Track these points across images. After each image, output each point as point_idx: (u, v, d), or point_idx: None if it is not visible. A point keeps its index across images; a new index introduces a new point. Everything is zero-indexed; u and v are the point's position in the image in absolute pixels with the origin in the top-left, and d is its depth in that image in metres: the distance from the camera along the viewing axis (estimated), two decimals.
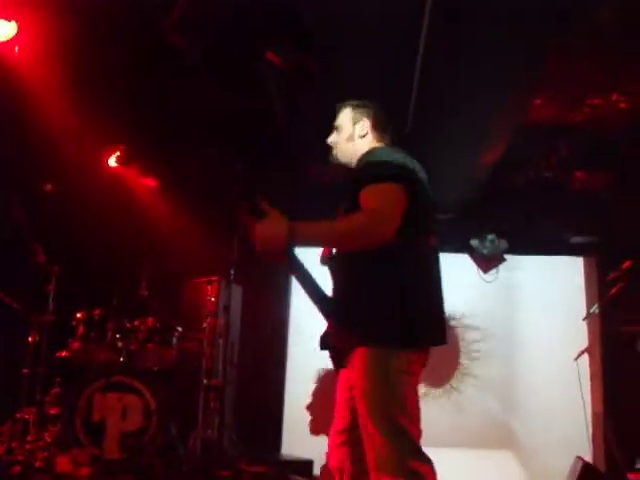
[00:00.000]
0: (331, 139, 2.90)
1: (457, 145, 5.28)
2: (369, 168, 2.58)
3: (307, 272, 2.55)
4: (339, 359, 2.59)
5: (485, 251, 6.50)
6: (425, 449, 2.39)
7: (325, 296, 2.57)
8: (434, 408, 6.46)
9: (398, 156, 2.61)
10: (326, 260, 2.76)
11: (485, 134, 5.24)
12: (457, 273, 6.75)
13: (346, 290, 2.58)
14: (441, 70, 4.63)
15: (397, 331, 2.42)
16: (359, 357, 2.44)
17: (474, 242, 6.55)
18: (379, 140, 2.84)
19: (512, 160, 5.80)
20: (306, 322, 6.81)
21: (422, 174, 2.65)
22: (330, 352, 2.63)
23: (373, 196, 2.44)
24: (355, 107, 2.88)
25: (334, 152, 2.90)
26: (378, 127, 2.85)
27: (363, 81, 5.19)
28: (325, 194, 6.50)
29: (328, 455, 2.70)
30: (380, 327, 2.43)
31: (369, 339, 2.43)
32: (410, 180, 2.52)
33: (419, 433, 2.43)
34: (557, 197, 6.23)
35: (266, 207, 2.42)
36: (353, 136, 2.84)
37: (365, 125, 2.84)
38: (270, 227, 2.38)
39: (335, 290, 2.63)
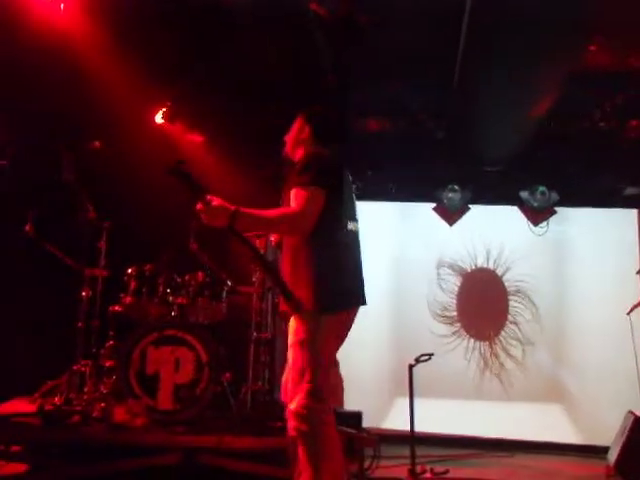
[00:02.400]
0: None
1: (506, 95, 5.15)
2: (303, 170, 3.20)
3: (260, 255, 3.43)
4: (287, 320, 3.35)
5: (535, 203, 6.38)
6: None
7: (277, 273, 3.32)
8: (481, 362, 6.45)
9: (326, 161, 3.29)
10: (276, 244, 3.56)
11: (535, 83, 5.09)
12: (506, 225, 6.69)
13: (286, 267, 3.30)
14: (488, 17, 4.51)
15: (320, 298, 3.15)
16: (296, 318, 3.20)
17: (524, 194, 6.42)
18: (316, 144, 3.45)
19: (565, 110, 5.65)
20: None
21: (344, 170, 3.36)
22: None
23: (300, 197, 3.13)
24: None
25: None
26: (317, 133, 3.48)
27: (409, 35, 5.10)
28: (375, 146, 6.51)
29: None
30: (307, 296, 3.14)
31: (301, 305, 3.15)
32: (331, 185, 3.20)
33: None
34: (611, 147, 6.05)
35: (186, 169, 3.03)
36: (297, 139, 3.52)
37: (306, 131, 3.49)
38: (217, 208, 3.06)
39: (281, 267, 3.36)
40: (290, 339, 3.24)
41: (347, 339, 3.34)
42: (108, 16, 4.81)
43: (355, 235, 3.40)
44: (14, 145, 5.21)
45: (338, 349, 3.35)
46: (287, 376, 3.30)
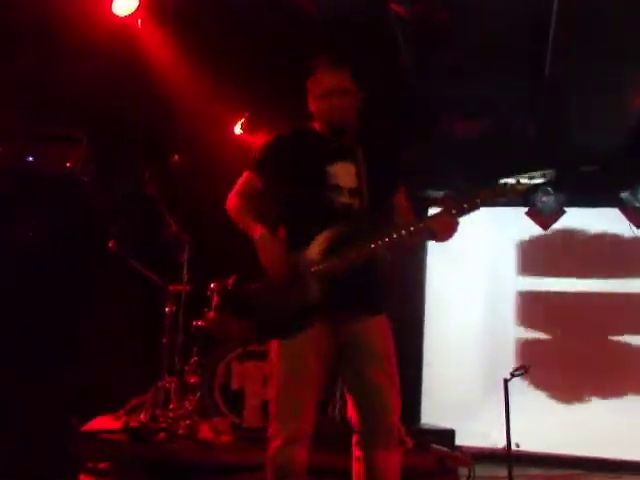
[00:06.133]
0: (340, 104, 2.85)
1: (604, 88, 4.87)
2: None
3: None
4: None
5: (637, 204, 6.02)
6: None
7: None
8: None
9: None
10: None
11: (636, 74, 4.79)
12: (607, 228, 6.36)
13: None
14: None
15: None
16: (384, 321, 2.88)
17: (625, 194, 6.08)
18: None
19: None
20: (443, 283, 6.62)
21: None
22: None
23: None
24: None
25: (336, 116, 2.86)
26: None
27: (495, 27, 4.87)
28: (458, 148, 6.28)
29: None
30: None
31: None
32: None
33: None
34: None
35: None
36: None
37: None
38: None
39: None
40: (385, 346, 2.81)
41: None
42: (184, 27, 4.78)
43: None
44: (96, 161, 5.26)
45: None
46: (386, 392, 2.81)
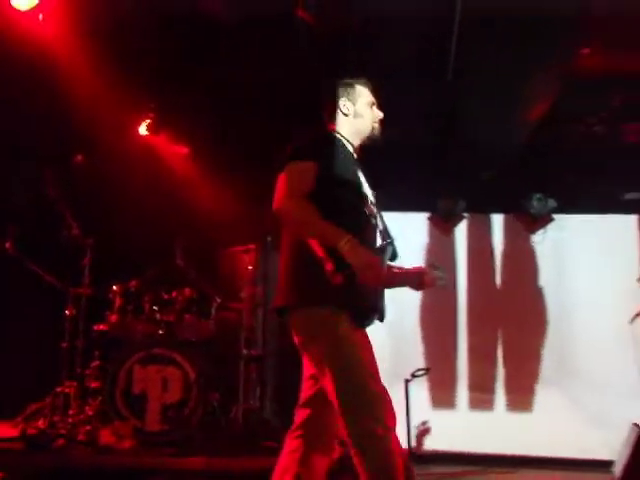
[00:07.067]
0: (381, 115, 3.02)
1: (500, 100, 5.06)
2: None
3: None
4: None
5: (532, 210, 6.26)
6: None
7: None
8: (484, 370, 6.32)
9: None
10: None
11: (529, 87, 5.01)
12: (503, 233, 6.57)
13: None
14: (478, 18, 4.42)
15: None
16: None
17: (520, 201, 6.30)
18: None
19: (560, 115, 5.53)
20: None
21: None
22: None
23: None
24: None
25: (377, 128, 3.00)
26: None
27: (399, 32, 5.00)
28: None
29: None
30: None
31: None
32: None
33: None
34: (609, 152, 5.92)
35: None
36: None
37: None
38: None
39: None
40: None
41: None
42: (88, 27, 4.68)
43: None
44: None
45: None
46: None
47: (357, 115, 2.95)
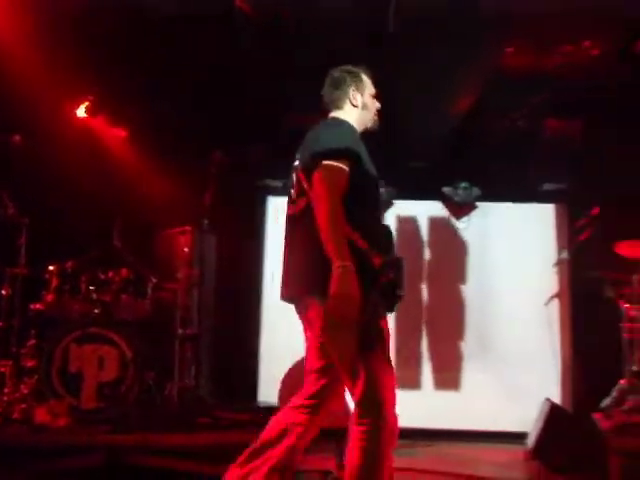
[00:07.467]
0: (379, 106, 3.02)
1: (428, 92, 5.26)
2: None
3: None
4: None
5: (457, 198, 6.52)
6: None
7: None
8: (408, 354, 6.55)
9: None
10: None
11: (456, 82, 5.22)
12: (430, 220, 6.81)
13: None
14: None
15: None
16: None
17: (447, 189, 6.55)
18: None
19: (485, 108, 5.80)
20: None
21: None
22: None
23: None
24: None
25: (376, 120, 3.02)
26: None
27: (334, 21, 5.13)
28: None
29: None
30: None
31: None
32: None
33: None
34: (530, 146, 6.24)
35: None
36: None
37: None
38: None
39: None
40: None
41: None
42: (29, 9, 4.66)
43: (293, 220, 2.89)
44: None
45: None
46: None
47: (364, 107, 2.92)
